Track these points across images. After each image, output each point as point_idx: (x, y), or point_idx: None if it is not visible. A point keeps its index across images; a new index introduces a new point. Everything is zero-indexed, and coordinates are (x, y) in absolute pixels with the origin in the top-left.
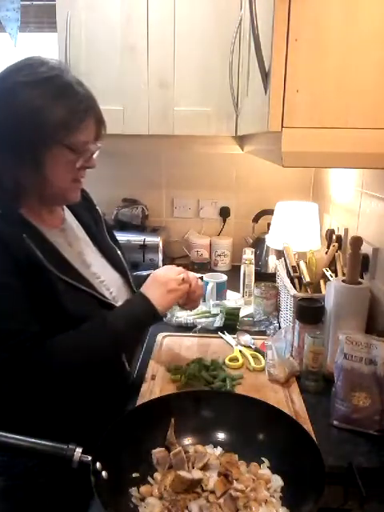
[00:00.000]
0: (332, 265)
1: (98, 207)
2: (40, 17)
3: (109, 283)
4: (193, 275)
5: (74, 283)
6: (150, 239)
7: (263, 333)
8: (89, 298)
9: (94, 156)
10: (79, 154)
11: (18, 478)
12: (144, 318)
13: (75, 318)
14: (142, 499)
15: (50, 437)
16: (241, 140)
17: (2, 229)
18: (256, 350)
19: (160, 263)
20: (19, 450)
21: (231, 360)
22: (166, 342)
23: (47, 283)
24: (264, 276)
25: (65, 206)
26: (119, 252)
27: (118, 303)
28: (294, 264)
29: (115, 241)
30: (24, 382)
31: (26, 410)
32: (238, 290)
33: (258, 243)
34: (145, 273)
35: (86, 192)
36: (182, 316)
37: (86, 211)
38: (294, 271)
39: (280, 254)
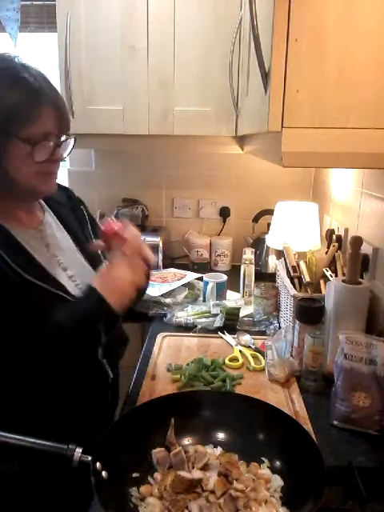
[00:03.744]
0: (332, 265)
1: (82, 207)
2: (40, 17)
3: (85, 285)
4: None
5: (38, 283)
6: (150, 239)
7: (263, 333)
8: (57, 300)
9: (65, 148)
10: (36, 146)
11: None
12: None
13: (39, 318)
14: (142, 499)
15: (49, 437)
16: (241, 140)
17: None
18: (256, 350)
19: (160, 263)
20: (19, 450)
21: (231, 360)
22: (166, 342)
23: (16, 286)
24: (264, 276)
25: (48, 208)
26: (100, 252)
27: None
28: (294, 264)
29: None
30: None
31: (25, 411)
32: (238, 290)
33: (258, 243)
34: (164, 284)
35: (71, 191)
36: (182, 316)
37: (70, 212)
38: (294, 271)
39: (280, 254)
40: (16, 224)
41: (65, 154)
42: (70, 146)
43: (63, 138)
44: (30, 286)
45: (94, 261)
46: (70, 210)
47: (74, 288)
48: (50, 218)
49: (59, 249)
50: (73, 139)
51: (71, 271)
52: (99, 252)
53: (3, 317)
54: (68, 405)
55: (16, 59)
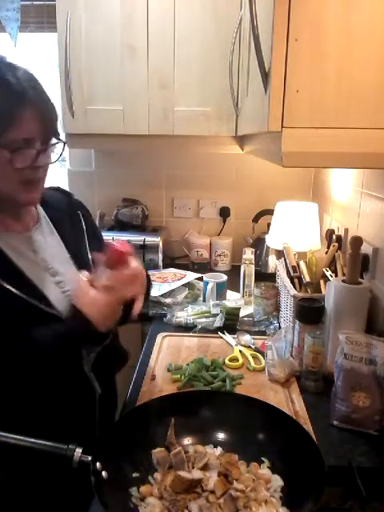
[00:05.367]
0: (332, 265)
1: (80, 213)
2: (40, 17)
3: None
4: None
5: (8, 287)
6: (150, 239)
7: (263, 333)
8: (36, 312)
9: (50, 153)
10: (16, 152)
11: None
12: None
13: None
14: (142, 499)
15: (49, 437)
16: (241, 140)
17: None
18: (256, 350)
19: (160, 263)
20: (19, 450)
21: (231, 360)
22: (166, 342)
23: None
24: (264, 276)
25: (44, 213)
26: (91, 261)
27: None
28: (294, 264)
29: (102, 245)
30: None
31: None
32: (238, 290)
33: (258, 243)
34: (164, 285)
35: (73, 197)
36: (182, 316)
37: (68, 217)
38: (294, 271)
39: (280, 254)
40: (1, 229)
41: (51, 160)
42: (59, 152)
43: (52, 142)
44: (4, 292)
45: (85, 269)
46: (68, 216)
47: (59, 294)
48: (44, 223)
49: (49, 254)
50: (62, 144)
51: (60, 277)
52: (90, 262)
53: None
54: (53, 417)
55: (1, 60)
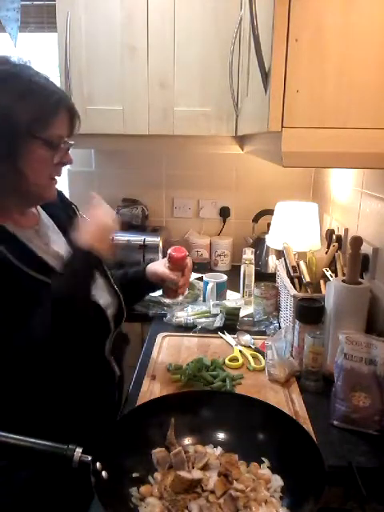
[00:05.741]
0: (332, 265)
1: (74, 206)
2: (40, 17)
3: None
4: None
5: (33, 275)
6: (150, 239)
7: (263, 333)
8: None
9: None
10: (55, 148)
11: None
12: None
13: (55, 319)
14: (142, 499)
15: (49, 437)
16: (241, 140)
17: None
18: (256, 350)
19: None
20: (19, 450)
21: (231, 360)
22: (166, 342)
23: (24, 285)
24: (264, 276)
25: (40, 208)
26: None
27: (99, 302)
28: (294, 264)
29: None
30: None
31: (25, 411)
32: (238, 290)
33: (258, 243)
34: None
35: (63, 194)
36: (182, 316)
37: (59, 210)
38: (294, 271)
39: (280, 254)
40: (12, 224)
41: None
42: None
43: (71, 142)
44: (43, 285)
45: None
46: (63, 210)
47: None
48: (44, 217)
49: (57, 246)
50: (72, 144)
51: None
52: None
53: (10, 315)
54: (76, 403)
55: (29, 65)
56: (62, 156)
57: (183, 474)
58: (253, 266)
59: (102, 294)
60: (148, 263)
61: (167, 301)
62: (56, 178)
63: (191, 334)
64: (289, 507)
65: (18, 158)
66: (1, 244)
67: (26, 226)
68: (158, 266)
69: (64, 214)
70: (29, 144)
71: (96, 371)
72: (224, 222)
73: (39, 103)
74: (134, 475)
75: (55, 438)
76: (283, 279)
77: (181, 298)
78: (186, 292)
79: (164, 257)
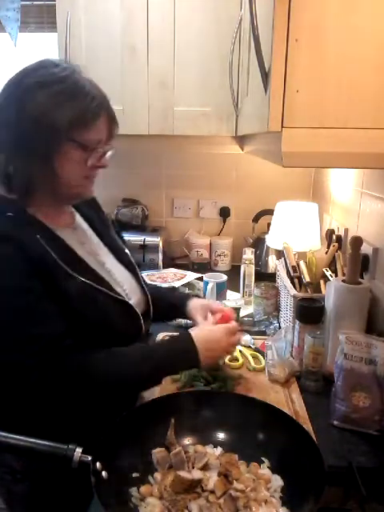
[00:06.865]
0: (332, 265)
1: (103, 209)
2: (40, 17)
3: (122, 281)
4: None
5: (89, 283)
6: (150, 239)
7: (263, 333)
8: (105, 296)
9: (107, 156)
10: (90, 151)
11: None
12: (183, 362)
13: (92, 318)
14: (142, 499)
15: (49, 437)
16: (241, 140)
17: (15, 230)
18: (256, 350)
19: (160, 263)
20: (19, 450)
21: (231, 360)
22: None
23: (63, 283)
24: (264, 276)
25: (74, 209)
26: (127, 251)
27: (131, 300)
28: (294, 264)
29: (123, 241)
30: (51, 389)
31: (25, 411)
32: (238, 290)
33: (258, 243)
34: (164, 284)
35: (94, 196)
36: None
37: (92, 211)
38: (294, 271)
39: (280, 254)
40: (50, 222)
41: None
42: (110, 154)
43: (109, 147)
44: (83, 284)
45: (121, 258)
46: (95, 212)
47: (113, 282)
48: (78, 217)
49: (93, 246)
50: (113, 148)
51: (108, 266)
52: (126, 251)
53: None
54: (91, 410)
55: (77, 69)
56: (98, 159)
57: (183, 474)
58: (253, 266)
59: (134, 291)
60: (194, 296)
61: None
62: (92, 178)
63: None
64: (289, 507)
65: (54, 158)
66: (42, 239)
67: (63, 224)
68: (201, 318)
69: (95, 213)
70: (65, 146)
71: None
72: (224, 222)
73: (80, 108)
74: (134, 475)
75: (57, 438)
76: (283, 279)
77: None
78: None
79: (164, 257)
